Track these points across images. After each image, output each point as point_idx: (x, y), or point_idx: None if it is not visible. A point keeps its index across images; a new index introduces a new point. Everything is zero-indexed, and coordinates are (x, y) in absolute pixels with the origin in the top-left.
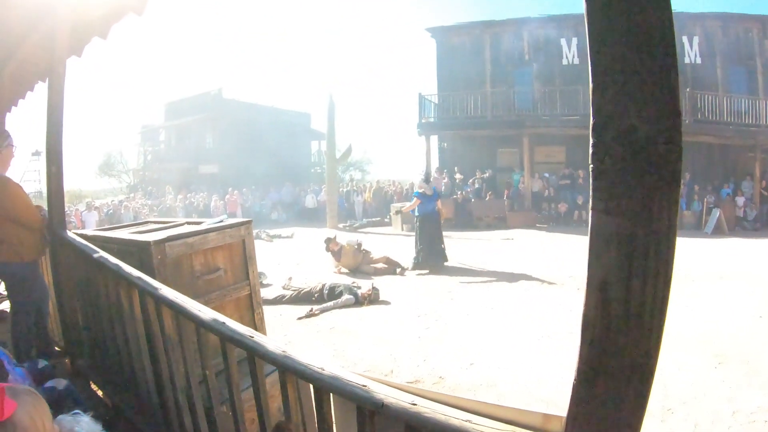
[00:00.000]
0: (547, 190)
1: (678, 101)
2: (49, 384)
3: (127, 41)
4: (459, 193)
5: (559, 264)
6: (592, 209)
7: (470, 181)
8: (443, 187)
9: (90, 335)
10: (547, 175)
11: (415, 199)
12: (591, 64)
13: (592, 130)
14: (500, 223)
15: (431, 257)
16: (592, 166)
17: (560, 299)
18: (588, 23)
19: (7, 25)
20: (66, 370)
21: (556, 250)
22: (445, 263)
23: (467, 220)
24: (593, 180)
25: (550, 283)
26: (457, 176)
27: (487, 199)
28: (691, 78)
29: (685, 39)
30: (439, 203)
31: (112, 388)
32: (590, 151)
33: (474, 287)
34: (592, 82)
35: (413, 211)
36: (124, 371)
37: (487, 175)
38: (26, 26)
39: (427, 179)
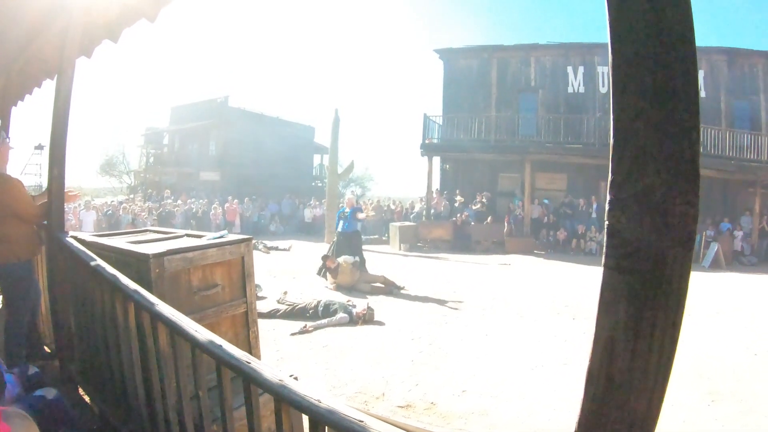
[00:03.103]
0: (546, 217)
1: (698, 162)
2: (38, 393)
3: (137, 44)
4: (458, 215)
5: (556, 292)
6: (603, 265)
7: (471, 204)
8: (442, 209)
9: (82, 341)
10: (547, 201)
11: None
12: (613, 119)
13: (610, 186)
14: (498, 247)
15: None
16: (607, 222)
17: (555, 328)
18: (613, 78)
19: (20, 21)
20: (55, 374)
21: (553, 278)
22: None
23: (465, 243)
24: (607, 236)
25: (545, 311)
26: (458, 198)
27: (487, 223)
28: None
29: None
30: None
31: (100, 397)
32: (606, 207)
33: (469, 312)
34: (614, 137)
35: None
36: (114, 381)
37: (485, 200)
38: (39, 24)
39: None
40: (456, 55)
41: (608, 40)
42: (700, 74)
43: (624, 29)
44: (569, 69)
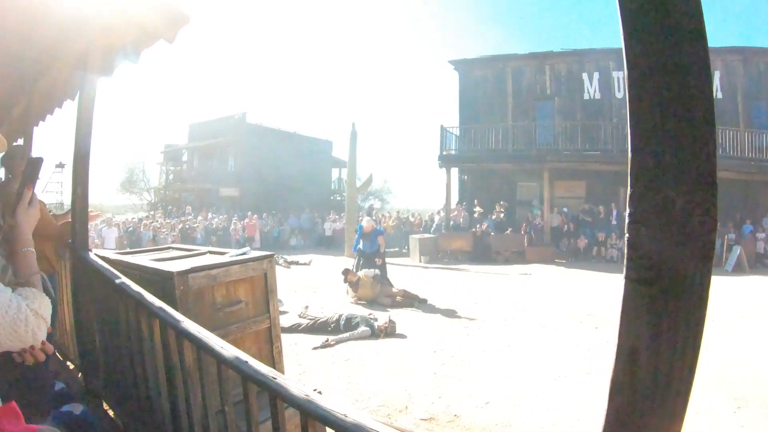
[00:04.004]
0: (566, 225)
1: (716, 173)
2: (65, 408)
3: (155, 63)
4: (477, 226)
5: (578, 301)
6: (625, 277)
7: (490, 215)
8: (461, 220)
9: (106, 357)
10: (566, 209)
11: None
12: (630, 133)
13: (629, 199)
14: (518, 257)
15: None
16: (627, 235)
17: (578, 338)
18: (629, 92)
19: (41, 43)
20: (80, 389)
21: (574, 287)
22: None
23: (485, 253)
24: (627, 249)
25: (568, 320)
26: (477, 209)
27: (506, 233)
28: None
29: None
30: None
31: (125, 411)
32: (626, 221)
33: (490, 323)
34: (631, 151)
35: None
36: (139, 395)
37: (504, 210)
38: (59, 46)
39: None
40: (471, 66)
41: (623, 55)
42: (716, 75)
43: (638, 43)
44: (584, 75)
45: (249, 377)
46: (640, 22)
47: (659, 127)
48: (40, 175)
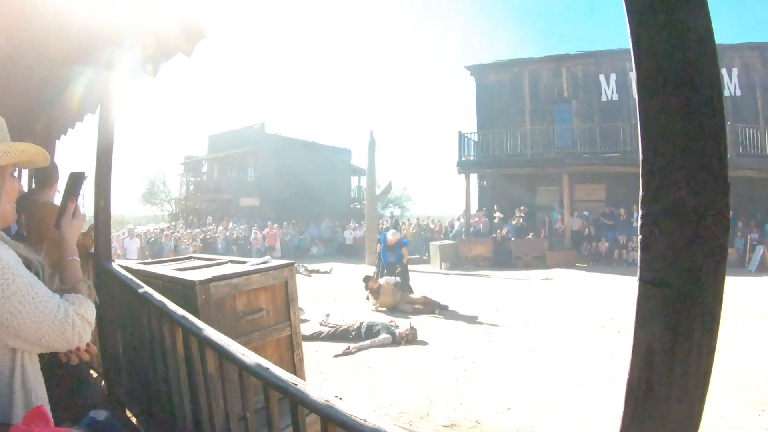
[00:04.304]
0: (587, 229)
1: (727, 172)
2: (90, 415)
3: (174, 76)
4: (498, 232)
5: (600, 305)
6: (639, 279)
7: (510, 220)
8: (481, 226)
9: (129, 365)
10: (586, 213)
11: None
12: (641, 135)
13: (641, 202)
14: (539, 262)
15: None
16: (641, 237)
17: (600, 342)
18: (638, 95)
19: (62, 59)
20: (103, 397)
21: (596, 291)
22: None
23: (506, 259)
24: (641, 251)
25: (589, 325)
26: (497, 214)
27: (527, 237)
28: (732, 111)
29: (724, 71)
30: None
31: (147, 418)
32: (639, 222)
33: (511, 329)
34: (642, 153)
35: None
36: (161, 403)
37: (524, 213)
38: (79, 62)
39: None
40: (487, 71)
41: (632, 58)
42: (734, 72)
43: (646, 46)
44: (601, 77)
45: (270, 383)
46: (647, 25)
47: (669, 129)
48: (82, 189)
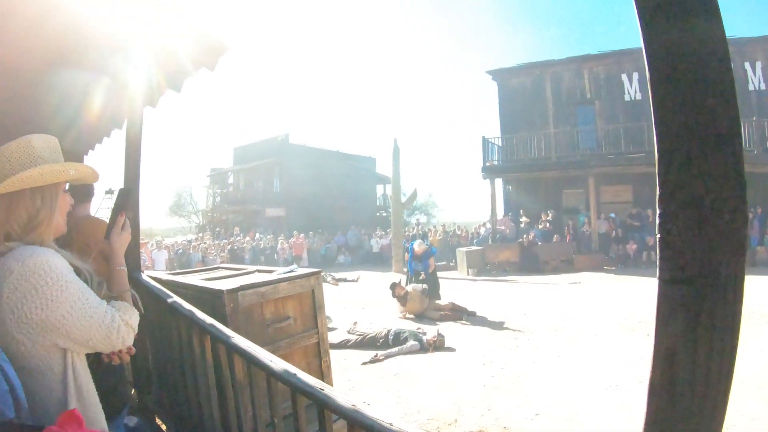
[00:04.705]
0: (614, 231)
1: (743, 168)
2: (124, 420)
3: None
4: (524, 236)
5: (629, 308)
6: (658, 278)
7: (537, 224)
8: (508, 231)
9: (158, 372)
10: (613, 215)
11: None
12: (656, 134)
13: (659, 200)
14: (567, 266)
15: None
16: (659, 235)
17: (629, 346)
18: (652, 93)
19: (88, 77)
20: (133, 404)
21: (624, 294)
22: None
23: (533, 263)
24: (659, 249)
25: (618, 329)
26: (523, 219)
27: (554, 241)
28: (757, 105)
29: (747, 65)
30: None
31: (177, 425)
32: (657, 221)
33: (540, 334)
34: (658, 152)
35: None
36: (191, 410)
37: (551, 217)
38: (106, 79)
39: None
40: (509, 75)
41: (644, 57)
42: (758, 66)
43: (657, 45)
44: (624, 77)
45: (297, 389)
46: (658, 23)
47: (684, 126)
48: (131, 204)
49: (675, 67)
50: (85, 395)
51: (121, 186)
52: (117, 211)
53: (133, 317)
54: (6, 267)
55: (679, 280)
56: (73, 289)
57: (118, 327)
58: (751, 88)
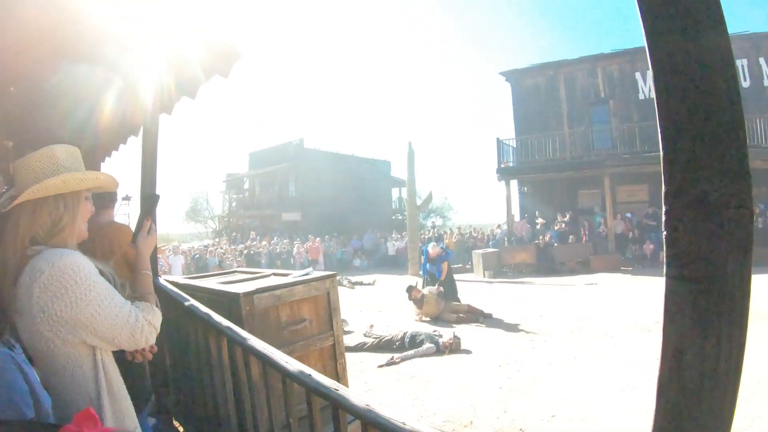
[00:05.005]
0: (630, 231)
1: (747, 165)
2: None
3: (213, 97)
4: (540, 238)
5: (645, 309)
6: (665, 275)
7: (553, 225)
8: (524, 234)
9: (176, 375)
10: (629, 215)
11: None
12: (660, 132)
13: (665, 198)
14: (583, 267)
15: None
16: (665, 233)
17: (646, 347)
18: (656, 91)
19: (104, 85)
20: (151, 406)
21: (641, 294)
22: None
23: (549, 265)
24: (666, 246)
25: (635, 330)
26: (539, 220)
27: (570, 242)
28: None
29: (762, 61)
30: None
31: (194, 426)
32: (663, 218)
33: (556, 336)
34: (663, 150)
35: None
36: (207, 411)
37: (568, 218)
38: (122, 87)
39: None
40: (522, 76)
41: (648, 55)
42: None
43: (660, 42)
44: (637, 75)
45: (312, 389)
46: (660, 20)
47: (687, 125)
48: (156, 209)
49: (677, 64)
50: (116, 389)
51: (148, 192)
52: (143, 216)
53: (156, 318)
54: (36, 268)
55: (685, 276)
56: (100, 288)
57: (142, 326)
58: (766, 84)
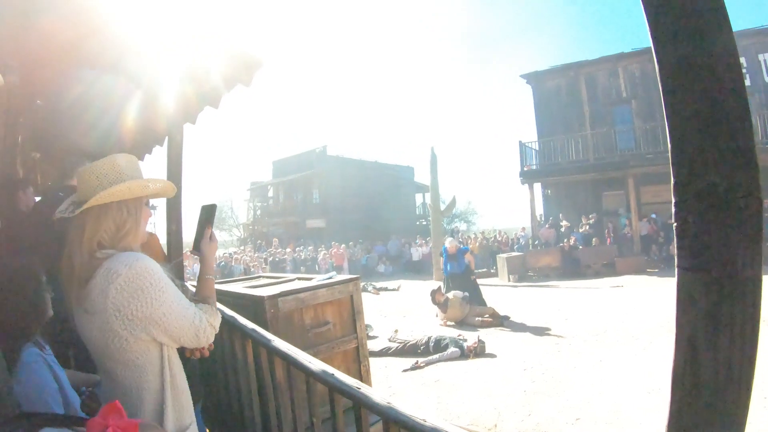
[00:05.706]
0: (656, 233)
1: (754, 153)
2: None
3: (237, 106)
4: (565, 241)
5: (671, 311)
6: (677, 266)
7: (577, 228)
8: (547, 238)
9: (201, 375)
10: (654, 215)
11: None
12: (668, 124)
13: (674, 189)
14: (609, 269)
15: None
16: (675, 224)
17: (672, 348)
18: (662, 85)
19: (129, 97)
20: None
21: (667, 296)
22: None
23: (574, 268)
24: (677, 239)
25: (661, 331)
26: (563, 223)
27: (594, 245)
28: None
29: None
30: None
31: (220, 428)
32: (673, 210)
33: (581, 339)
34: (671, 142)
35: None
36: (232, 411)
37: (593, 220)
38: (146, 99)
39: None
40: (543, 78)
41: (653, 51)
42: None
43: (665, 38)
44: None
45: (335, 388)
46: (665, 16)
47: (694, 116)
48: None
49: (683, 59)
50: (178, 384)
51: (207, 203)
52: (203, 224)
53: (217, 320)
54: (112, 271)
55: (696, 267)
56: (171, 291)
57: (205, 327)
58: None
